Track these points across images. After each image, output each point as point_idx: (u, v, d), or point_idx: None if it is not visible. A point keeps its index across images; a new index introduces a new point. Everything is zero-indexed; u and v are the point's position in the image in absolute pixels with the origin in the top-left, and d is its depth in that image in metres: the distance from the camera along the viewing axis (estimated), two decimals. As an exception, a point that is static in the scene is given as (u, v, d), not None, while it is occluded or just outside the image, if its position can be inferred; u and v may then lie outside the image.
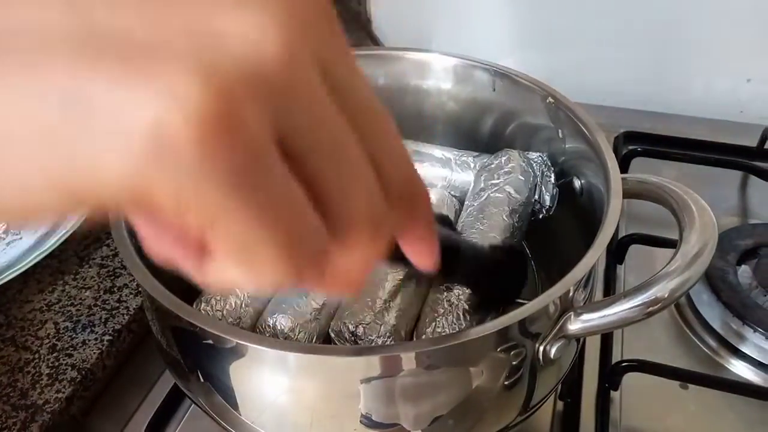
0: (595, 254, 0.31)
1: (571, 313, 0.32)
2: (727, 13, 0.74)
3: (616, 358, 0.49)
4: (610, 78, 0.81)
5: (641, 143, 0.71)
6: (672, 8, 0.76)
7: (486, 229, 0.42)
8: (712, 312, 0.52)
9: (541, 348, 0.32)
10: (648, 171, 0.69)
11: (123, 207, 0.15)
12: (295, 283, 0.17)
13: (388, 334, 0.37)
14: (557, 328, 0.32)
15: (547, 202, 0.47)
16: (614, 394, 0.47)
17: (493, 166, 0.47)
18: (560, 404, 0.47)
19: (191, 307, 0.34)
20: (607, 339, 0.51)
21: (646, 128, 0.74)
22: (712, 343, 0.51)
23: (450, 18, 0.88)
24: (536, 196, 0.47)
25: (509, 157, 0.47)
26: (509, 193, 0.44)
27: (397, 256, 0.28)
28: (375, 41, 0.91)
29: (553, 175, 0.47)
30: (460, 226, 0.44)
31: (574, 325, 0.32)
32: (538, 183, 0.47)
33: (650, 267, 0.58)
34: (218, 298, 0.39)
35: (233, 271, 0.16)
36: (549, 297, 0.30)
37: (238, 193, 0.15)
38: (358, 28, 0.91)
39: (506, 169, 0.46)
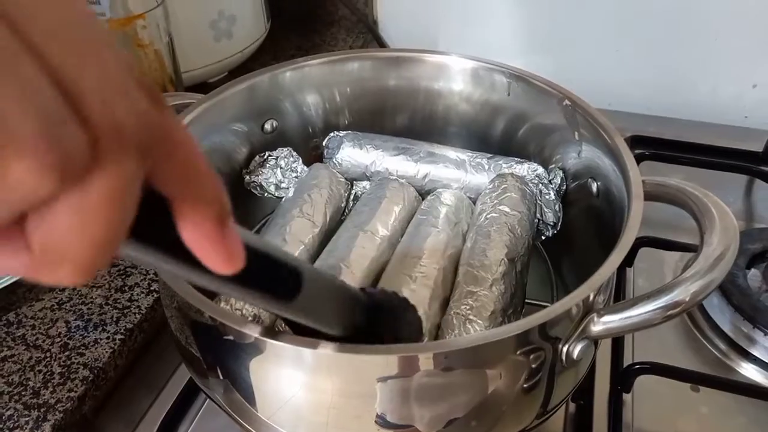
0: (619, 257, 0.32)
1: (594, 314, 0.32)
2: (733, 19, 0.75)
3: (627, 360, 0.49)
4: (617, 82, 0.82)
5: (648, 147, 0.71)
6: (678, 14, 0.76)
7: (488, 248, 0.42)
8: (722, 315, 0.52)
9: (565, 349, 0.32)
10: (654, 175, 0.68)
11: None
12: None
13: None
14: (580, 329, 0.32)
15: (551, 219, 0.47)
16: (626, 397, 0.47)
17: (488, 191, 0.47)
18: (573, 406, 0.47)
19: (214, 303, 0.34)
20: (618, 342, 0.51)
21: (652, 132, 0.74)
22: (722, 346, 0.52)
23: (456, 21, 0.88)
24: (538, 215, 0.47)
25: (502, 179, 0.47)
26: (504, 211, 0.44)
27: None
28: (381, 43, 0.92)
29: (552, 192, 0.47)
30: (465, 253, 0.43)
31: (597, 327, 0.32)
32: (537, 200, 0.47)
33: (659, 270, 0.59)
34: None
35: None
36: (573, 299, 0.30)
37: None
38: (365, 30, 0.91)
39: (499, 191, 0.46)
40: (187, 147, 0.18)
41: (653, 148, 0.71)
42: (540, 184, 0.47)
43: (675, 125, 0.77)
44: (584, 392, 0.47)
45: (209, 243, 0.18)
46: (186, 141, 0.18)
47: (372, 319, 0.31)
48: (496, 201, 0.44)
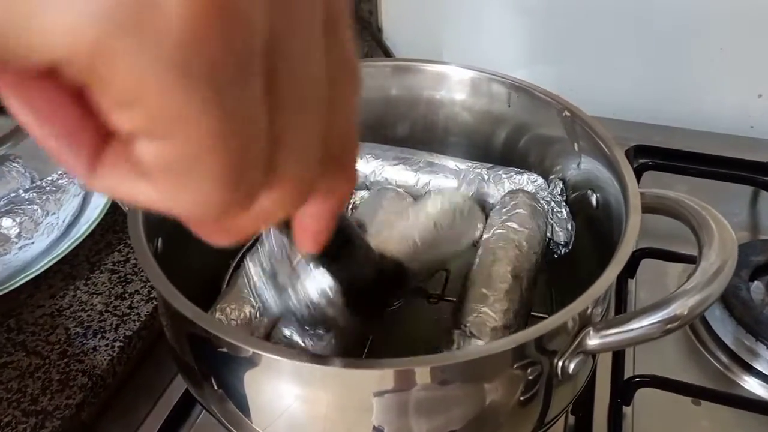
0: (615, 270, 0.31)
1: (590, 328, 0.32)
2: (739, 29, 0.74)
3: (628, 373, 0.49)
4: (621, 92, 0.82)
5: (652, 157, 0.71)
6: (684, 23, 0.76)
7: (493, 265, 0.41)
8: (724, 328, 0.52)
9: (560, 363, 0.32)
10: (658, 185, 0.68)
11: (42, 64, 0.12)
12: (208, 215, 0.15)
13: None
14: (576, 343, 0.32)
15: (562, 238, 0.46)
16: (626, 410, 0.47)
17: (498, 206, 0.47)
18: (572, 418, 0.47)
19: (210, 316, 0.34)
20: (619, 354, 0.50)
21: (657, 142, 0.74)
22: (725, 359, 0.51)
23: (461, 30, 0.88)
24: (549, 234, 0.46)
25: (513, 195, 0.46)
26: (512, 228, 0.43)
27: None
28: (386, 52, 0.92)
29: (564, 211, 0.46)
30: (472, 270, 0.42)
31: (593, 341, 0.32)
32: (549, 219, 0.46)
33: (662, 282, 0.58)
34: (233, 306, 0.39)
35: (144, 185, 0.14)
36: (568, 313, 0.30)
37: (208, 96, 0.12)
38: (369, 38, 0.92)
39: (509, 207, 0.45)
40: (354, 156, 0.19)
41: (658, 158, 0.71)
42: (552, 202, 0.46)
43: (680, 135, 0.77)
44: (584, 405, 0.47)
45: (320, 227, 0.20)
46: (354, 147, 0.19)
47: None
48: (505, 217, 0.44)
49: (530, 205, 0.45)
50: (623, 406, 0.47)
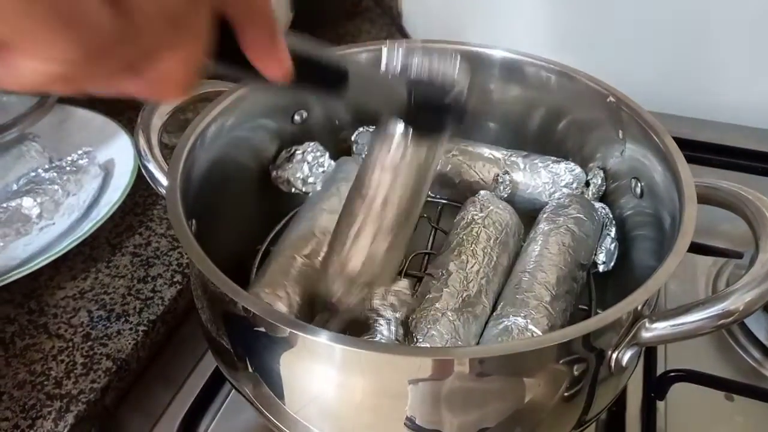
0: (675, 261, 0.30)
1: (645, 320, 0.31)
2: (766, 19, 0.73)
3: (659, 367, 0.48)
4: (647, 83, 0.80)
5: (680, 149, 0.70)
6: (710, 14, 0.74)
7: (546, 267, 0.40)
8: (757, 323, 0.51)
9: (614, 356, 0.31)
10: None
11: None
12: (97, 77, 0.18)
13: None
14: (631, 335, 0.31)
15: (602, 258, 0.44)
16: (659, 404, 0.46)
17: (553, 207, 0.45)
18: (605, 413, 0.46)
19: (251, 296, 0.32)
20: (651, 349, 0.49)
21: (684, 134, 0.72)
22: (757, 354, 0.50)
23: (480, 14, 0.86)
24: (600, 248, 0.45)
25: (572, 198, 0.45)
26: (573, 231, 0.42)
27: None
28: (404, 34, 0.90)
29: (614, 230, 0.45)
30: (521, 266, 0.41)
31: (648, 333, 0.31)
32: (602, 232, 0.45)
33: (692, 274, 0.57)
34: (267, 291, 0.38)
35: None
36: (629, 305, 0.29)
37: None
38: (389, 22, 0.90)
39: (569, 209, 0.44)
40: None
41: (684, 149, 0.69)
42: (606, 218, 0.45)
43: (705, 127, 0.75)
44: (617, 399, 0.46)
45: (264, 53, 0.23)
46: None
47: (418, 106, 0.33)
48: (562, 219, 0.43)
49: (589, 213, 0.44)
50: (657, 401, 0.46)
